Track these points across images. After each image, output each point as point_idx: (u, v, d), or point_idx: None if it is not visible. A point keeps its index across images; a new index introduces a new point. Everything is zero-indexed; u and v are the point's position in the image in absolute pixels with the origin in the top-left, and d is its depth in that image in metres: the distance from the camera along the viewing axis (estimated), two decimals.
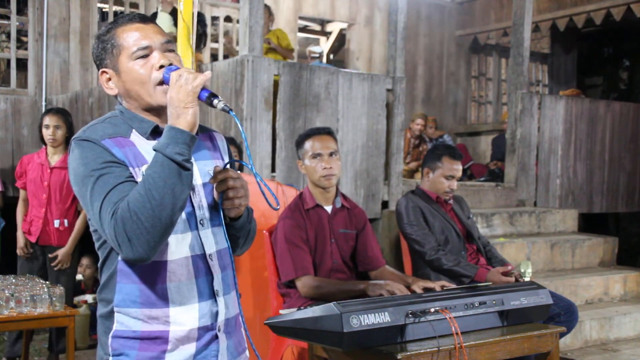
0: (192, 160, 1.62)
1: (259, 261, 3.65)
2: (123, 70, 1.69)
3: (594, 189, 6.82)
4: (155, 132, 1.71)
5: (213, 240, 1.75)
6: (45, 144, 4.73)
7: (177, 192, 1.53)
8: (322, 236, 3.35)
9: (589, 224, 7.32)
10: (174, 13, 5.86)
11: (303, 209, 3.35)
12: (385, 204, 5.12)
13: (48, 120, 4.65)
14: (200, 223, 1.72)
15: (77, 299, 5.51)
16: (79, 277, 5.87)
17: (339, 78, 4.90)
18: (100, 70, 1.74)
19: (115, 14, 8.13)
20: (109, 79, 1.73)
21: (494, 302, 2.87)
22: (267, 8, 6.44)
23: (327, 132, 3.40)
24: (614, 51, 9.69)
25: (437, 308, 2.65)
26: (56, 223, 4.68)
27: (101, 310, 1.72)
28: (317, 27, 9.88)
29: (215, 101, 1.61)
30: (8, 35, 7.56)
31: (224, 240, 1.78)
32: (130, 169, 1.63)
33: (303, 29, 9.67)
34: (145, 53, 1.69)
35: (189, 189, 1.58)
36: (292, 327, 2.59)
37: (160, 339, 1.67)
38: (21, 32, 7.87)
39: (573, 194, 6.63)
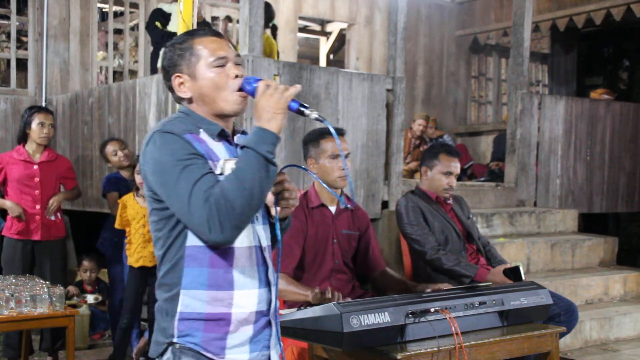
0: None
1: None
2: (200, 77, 1.89)
3: (594, 189, 6.81)
4: (220, 135, 1.91)
5: (265, 235, 1.94)
6: (25, 142, 4.70)
7: (264, 184, 1.74)
8: (324, 236, 3.35)
9: (589, 224, 7.31)
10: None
11: (307, 207, 3.35)
12: (385, 204, 5.12)
13: (43, 118, 4.64)
14: (255, 218, 1.90)
15: (77, 299, 5.52)
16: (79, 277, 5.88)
17: (339, 78, 4.90)
18: (175, 75, 1.92)
19: (115, 14, 8.14)
20: (182, 84, 1.91)
21: (494, 302, 2.88)
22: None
23: (343, 133, 3.41)
24: (614, 51, 9.68)
25: (437, 308, 2.65)
26: (52, 216, 4.71)
27: (163, 294, 1.86)
28: (317, 27, 9.87)
29: (307, 111, 1.83)
30: (8, 35, 7.57)
31: (269, 237, 1.98)
32: (209, 162, 1.81)
33: (303, 29, 9.66)
34: (222, 63, 1.89)
35: (272, 184, 1.80)
36: (292, 327, 2.60)
37: (223, 320, 1.82)
38: (21, 32, 7.87)
39: (573, 194, 6.63)
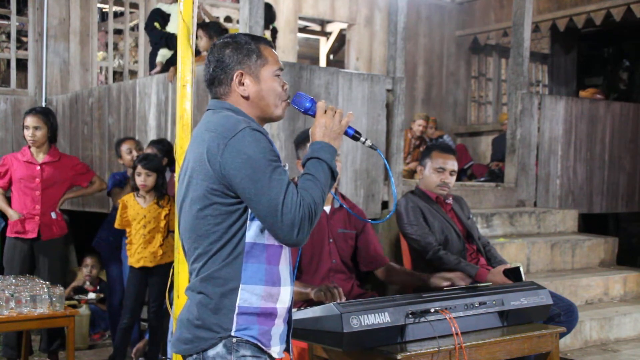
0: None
1: None
2: (264, 80, 2.00)
3: (594, 189, 6.81)
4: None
5: None
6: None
7: (327, 194, 1.91)
8: (320, 236, 3.35)
9: (589, 224, 7.31)
10: None
11: None
12: (385, 204, 5.12)
13: (28, 121, 4.66)
14: None
15: (78, 297, 5.52)
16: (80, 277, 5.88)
17: (338, 78, 4.90)
18: (238, 71, 1.98)
19: (115, 14, 8.14)
20: (242, 82, 1.98)
21: (494, 302, 2.88)
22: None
23: None
24: (614, 51, 9.68)
25: (437, 308, 2.65)
26: (52, 215, 4.72)
27: (215, 289, 1.88)
28: (317, 28, 9.87)
29: (362, 139, 2.10)
30: (8, 35, 7.58)
31: None
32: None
33: (303, 29, 9.66)
34: (279, 73, 2.04)
35: None
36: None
37: (271, 315, 1.93)
38: (21, 32, 7.89)
39: (573, 194, 6.63)
